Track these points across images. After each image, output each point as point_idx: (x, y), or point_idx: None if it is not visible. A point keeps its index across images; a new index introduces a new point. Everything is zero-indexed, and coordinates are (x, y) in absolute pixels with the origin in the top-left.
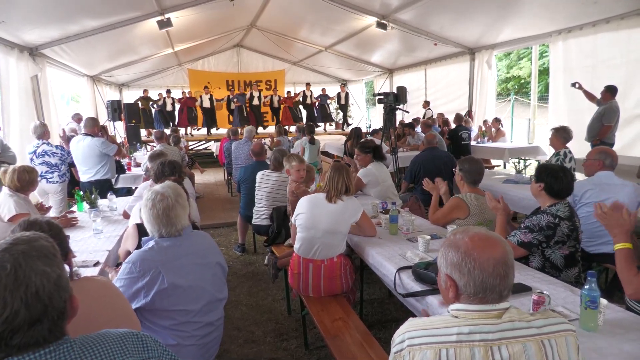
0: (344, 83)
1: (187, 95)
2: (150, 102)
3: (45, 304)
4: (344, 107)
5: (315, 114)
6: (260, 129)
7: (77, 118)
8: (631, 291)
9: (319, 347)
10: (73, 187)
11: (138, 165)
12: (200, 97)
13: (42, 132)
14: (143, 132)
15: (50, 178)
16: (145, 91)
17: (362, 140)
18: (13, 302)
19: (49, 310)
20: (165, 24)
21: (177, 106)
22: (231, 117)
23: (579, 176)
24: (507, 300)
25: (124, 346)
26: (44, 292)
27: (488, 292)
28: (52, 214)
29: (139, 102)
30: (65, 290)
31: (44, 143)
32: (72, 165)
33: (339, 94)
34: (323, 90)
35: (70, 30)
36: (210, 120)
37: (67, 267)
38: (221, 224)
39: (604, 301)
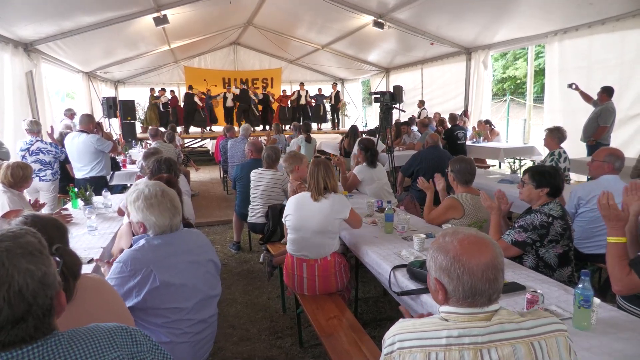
0: (335, 82)
1: (189, 91)
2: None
3: (30, 302)
4: (334, 107)
5: (310, 114)
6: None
7: (70, 114)
8: (619, 287)
9: (314, 345)
10: (67, 183)
11: (133, 162)
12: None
13: (39, 130)
14: (139, 130)
15: (43, 176)
16: (152, 90)
17: (362, 138)
18: None
19: (33, 309)
20: (161, 20)
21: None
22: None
23: (574, 176)
24: (496, 302)
25: (112, 340)
26: (28, 291)
27: (477, 296)
28: (45, 211)
29: (150, 100)
30: (52, 287)
31: (38, 140)
32: (66, 162)
33: (331, 93)
34: (319, 90)
35: (65, 26)
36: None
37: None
38: (216, 222)
39: (597, 300)
